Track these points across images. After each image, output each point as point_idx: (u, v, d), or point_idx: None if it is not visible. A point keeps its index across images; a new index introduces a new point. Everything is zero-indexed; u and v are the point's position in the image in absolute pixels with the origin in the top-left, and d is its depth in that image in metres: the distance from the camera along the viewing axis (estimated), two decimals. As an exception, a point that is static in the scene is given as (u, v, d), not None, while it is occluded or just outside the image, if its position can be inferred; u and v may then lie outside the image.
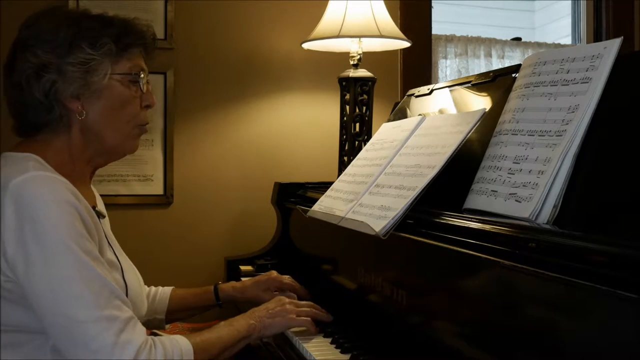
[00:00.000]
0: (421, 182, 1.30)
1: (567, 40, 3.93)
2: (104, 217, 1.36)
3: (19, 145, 1.27)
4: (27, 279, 1.10)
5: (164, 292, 1.63)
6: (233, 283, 1.72)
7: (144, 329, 1.16)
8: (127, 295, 1.25)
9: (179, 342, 1.20)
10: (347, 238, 1.53)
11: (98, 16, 1.30)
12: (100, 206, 1.41)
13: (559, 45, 3.91)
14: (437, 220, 1.22)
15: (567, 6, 3.97)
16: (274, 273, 1.70)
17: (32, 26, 1.26)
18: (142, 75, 1.31)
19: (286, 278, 1.70)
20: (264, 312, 1.40)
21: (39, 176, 1.14)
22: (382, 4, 2.29)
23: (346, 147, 2.34)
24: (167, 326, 1.69)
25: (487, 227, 1.08)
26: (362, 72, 2.30)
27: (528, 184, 1.13)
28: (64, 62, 1.22)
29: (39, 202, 1.11)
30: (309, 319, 1.42)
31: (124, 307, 1.14)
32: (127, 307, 1.16)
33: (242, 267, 2.17)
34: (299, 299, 1.60)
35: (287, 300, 1.45)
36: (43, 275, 1.09)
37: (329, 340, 1.39)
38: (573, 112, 1.13)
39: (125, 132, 1.31)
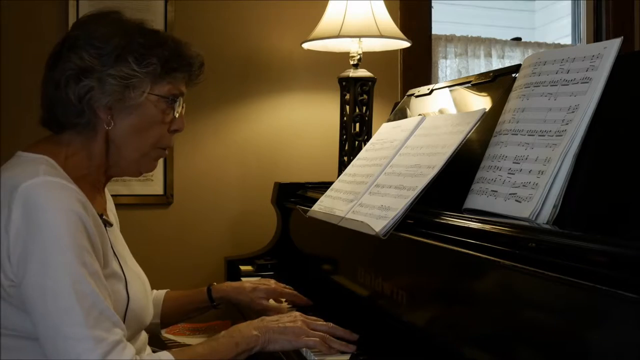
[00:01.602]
0: (421, 182, 1.30)
1: (567, 40, 3.93)
2: (111, 225, 1.33)
3: (35, 144, 1.25)
4: (23, 283, 1.09)
5: (158, 295, 1.60)
6: (231, 282, 1.69)
7: (132, 351, 1.13)
8: (127, 308, 1.23)
9: None
10: (347, 238, 1.53)
11: (153, 32, 1.28)
12: (110, 213, 1.39)
13: (559, 45, 3.91)
14: (437, 220, 1.22)
15: (567, 6, 3.97)
16: (273, 283, 1.67)
17: (85, 27, 1.25)
18: (179, 101, 1.30)
19: (286, 288, 1.67)
20: (274, 325, 1.31)
21: (49, 182, 1.12)
22: (382, 4, 2.29)
23: (346, 147, 2.34)
24: (163, 331, 1.66)
25: (487, 227, 1.08)
26: (362, 72, 2.30)
27: (528, 184, 1.13)
28: (107, 71, 1.20)
29: (45, 209, 1.09)
30: (318, 339, 1.30)
31: (113, 329, 1.10)
32: (120, 328, 1.12)
33: (242, 267, 2.17)
34: (300, 308, 1.58)
35: (301, 318, 1.35)
36: (37, 284, 1.08)
37: (329, 340, 1.39)
38: (573, 112, 1.13)
39: (145, 151, 1.29)
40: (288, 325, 1.32)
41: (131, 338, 1.25)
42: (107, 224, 1.29)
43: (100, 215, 1.23)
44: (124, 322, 1.17)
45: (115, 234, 1.36)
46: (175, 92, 1.29)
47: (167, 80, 1.27)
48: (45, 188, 1.11)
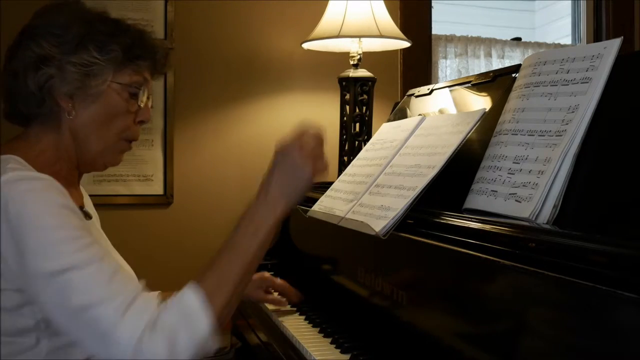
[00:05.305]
0: (421, 182, 1.30)
1: (567, 40, 3.94)
2: (90, 217, 1.31)
3: (4, 144, 1.21)
4: (30, 279, 1.05)
5: None
6: None
7: (153, 296, 1.10)
8: None
9: (186, 304, 1.11)
10: (347, 238, 1.53)
11: (114, 21, 1.25)
12: (88, 207, 1.36)
13: (559, 45, 3.91)
14: (437, 220, 1.22)
15: (567, 6, 3.97)
16: (267, 274, 1.72)
17: (45, 16, 1.22)
18: (143, 90, 1.26)
19: (278, 279, 1.71)
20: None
21: (17, 177, 1.08)
22: (382, 4, 2.30)
23: (346, 147, 2.34)
24: None
25: (487, 227, 1.08)
26: (362, 72, 2.30)
27: (528, 184, 1.13)
28: (66, 59, 1.18)
29: (21, 202, 1.05)
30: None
31: (130, 283, 1.09)
32: (134, 281, 1.11)
33: (242, 267, 2.16)
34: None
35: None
36: (42, 274, 1.03)
37: (329, 340, 1.39)
38: (573, 112, 1.13)
39: (110, 143, 1.25)
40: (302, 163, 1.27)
41: None
42: (87, 215, 1.27)
43: (80, 207, 1.21)
44: None
45: (96, 228, 1.34)
46: (139, 80, 1.25)
47: (131, 68, 1.24)
48: (14, 184, 1.07)
